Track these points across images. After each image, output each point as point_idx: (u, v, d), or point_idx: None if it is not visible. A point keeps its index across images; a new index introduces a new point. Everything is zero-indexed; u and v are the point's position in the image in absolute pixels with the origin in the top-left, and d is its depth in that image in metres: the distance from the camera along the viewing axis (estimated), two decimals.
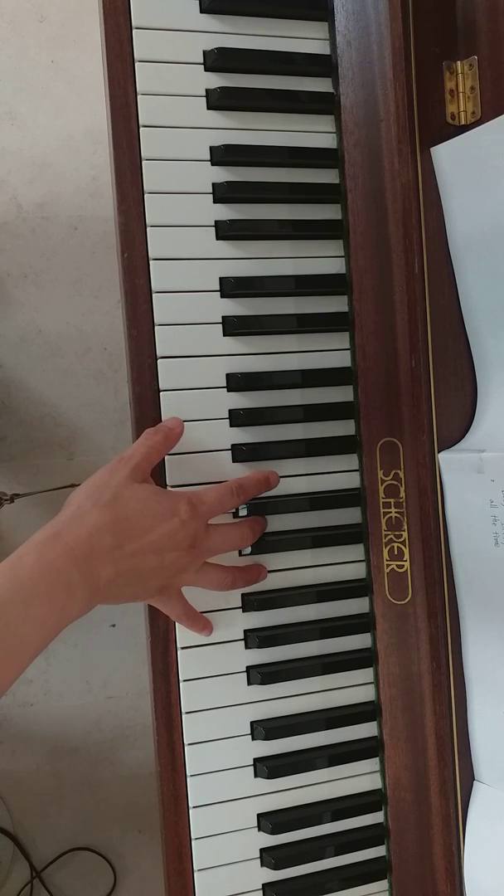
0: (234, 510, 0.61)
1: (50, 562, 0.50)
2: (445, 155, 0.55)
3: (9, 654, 0.48)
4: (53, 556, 0.50)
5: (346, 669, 0.63)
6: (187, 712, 0.60)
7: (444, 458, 0.56)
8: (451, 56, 0.56)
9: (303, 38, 0.61)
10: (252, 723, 0.62)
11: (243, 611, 0.61)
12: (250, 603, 0.61)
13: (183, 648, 0.60)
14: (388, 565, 0.60)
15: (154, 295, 0.59)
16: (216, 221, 0.60)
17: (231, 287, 0.60)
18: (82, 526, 0.52)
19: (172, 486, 0.59)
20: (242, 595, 0.62)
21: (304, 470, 0.63)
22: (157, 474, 0.59)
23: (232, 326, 0.60)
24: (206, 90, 0.60)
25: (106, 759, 1.35)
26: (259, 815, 0.62)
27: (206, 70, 0.60)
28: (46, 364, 1.30)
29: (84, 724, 1.34)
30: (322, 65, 0.61)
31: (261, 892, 0.62)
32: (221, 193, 0.60)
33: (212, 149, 0.60)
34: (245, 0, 0.60)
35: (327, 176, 0.62)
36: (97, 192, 1.30)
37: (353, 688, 0.64)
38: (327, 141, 0.62)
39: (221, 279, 0.60)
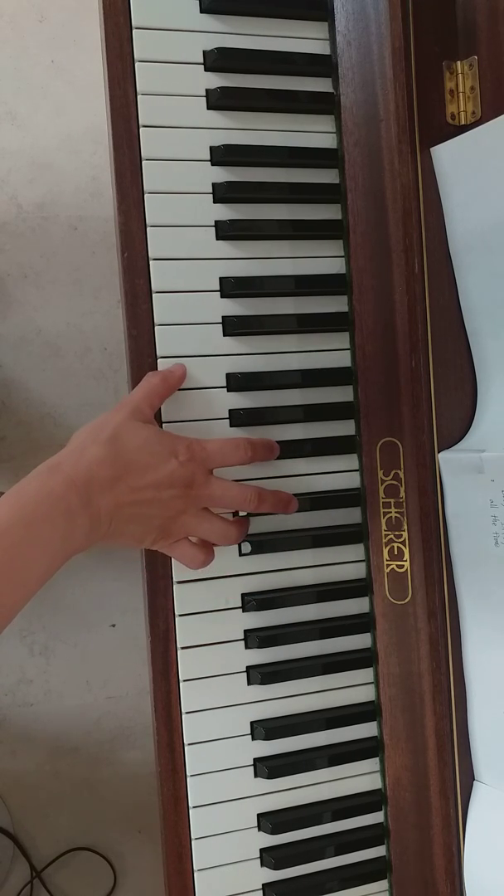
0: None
1: (51, 489, 0.52)
2: (445, 155, 0.55)
3: (16, 575, 0.50)
4: (54, 484, 0.52)
5: (346, 669, 0.63)
6: (187, 712, 0.60)
7: (444, 458, 0.56)
8: (451, 56, 0.56)
9: (303, 38, 0.61)
10: (252, 723, 0.62)
11: (243, 611, 0.61)
12: (250, 603, 0.61)
13: (183, 648, 0.60)
14: (388, 565, 0.60)
15: (154, 295, 0.59)
16: (216, 221, 0.60)
17: (231, 287, 0.60)
18: (82, 458, 0.54)
19: None
20: (242, 595, 0.62)
21: (305, 470, 0.63)
22: None
23: (232, 326, 0.60)
24: (206, 90, 0.60)
25: (106, 759, 1.35)
26: (259, 815, 0.62)
27: (206, 70, 0.60)
28: (46, 364, 1.30)
29: (84, 724, 1.34)
30: (322, 65, 0.61)
31: (261, 892, 0.62)
32: (221, 193, 0.60)
33: (212, 149, 0.60)
34: (245, 0, 0.60)
35: (327, 176, 0.62)
36: (97, 192, 1.30)
37: (353, 688, 0.64)
38: (327, 141, 0.62)
39: (221, 279, 0.60)
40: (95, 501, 0.53)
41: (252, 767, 0.62)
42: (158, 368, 0.59)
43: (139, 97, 0.58)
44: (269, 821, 0.61)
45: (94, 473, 0.53)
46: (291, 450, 0.62)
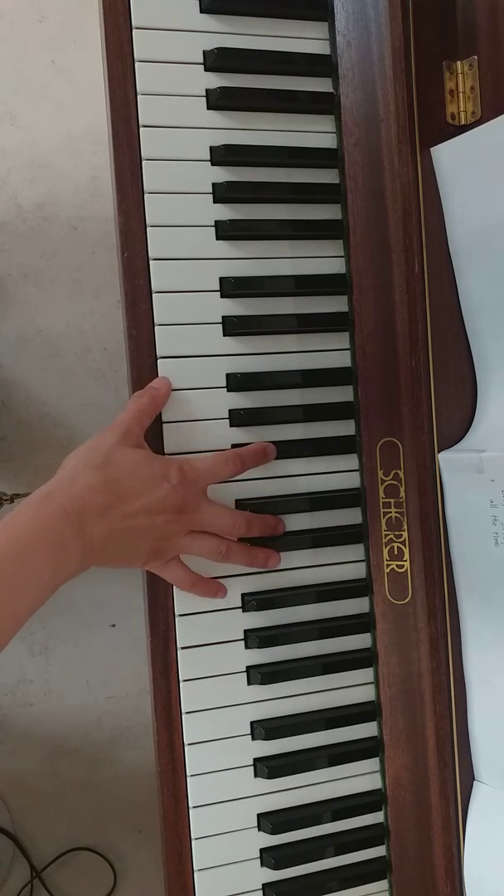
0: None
1: (43, 519, 0.51)
2: (445, 155, 0.55)
3: (6, 606, 0.50)
4: (46, 514, 0.52)
5: (346, 669, 0.63)
6: (187, 712, 0.60)
7: (444, 458, 0.56)
8: (451, 56, 0.56)
9: (303, 38, 0.61)
10: (252, 723, 0.61)
11: (243, 611, 0.61)
12: (250, 603, 0.61)
13: (183, 648, 0.60)
14: (388, 565, 0.60)
15: (154, 295, 0.59)
16: (216, 221, 0.60)
17: (231, 287, 0.60)
18: (74, 486, 0.53)
19: None
20: (242, 595, 0.62)
21: (304, 470, 0.63)
22: None
23: (232, 326, 0.60)
24: (206, 90, 0.60)
25: (106, 759, 1.35)
26: (259, 815, 0.62)
27: (206, 70, 0.60)
28: (46, 364, 1.30)
29: (84, 724, 1.34)
30: (322, 65, 0.61)
31: (261, 892, 0.62)
32: (221, 193, 0.60)
33: (212, 149, 0.60)
34: (245, 0, 0.60)
35: (327, 176, 0.62)
36: (97, 192, 1.30)
37: (353, 688, 0.64)
38: (327, 141, 0.62)
39: (221, 279, 0.60)
40: (88, 529, 0.53)
41: (252, 767, 0.62)
42: (159, 368, 0.59)
43: (139, 97, 0.58)
44: (269, 821, 0.61)
45: (87, 501, 0.53)
46: (291, 450, 0.62)
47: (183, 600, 0.60)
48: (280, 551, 0.62)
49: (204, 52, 0.60)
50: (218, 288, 0.60)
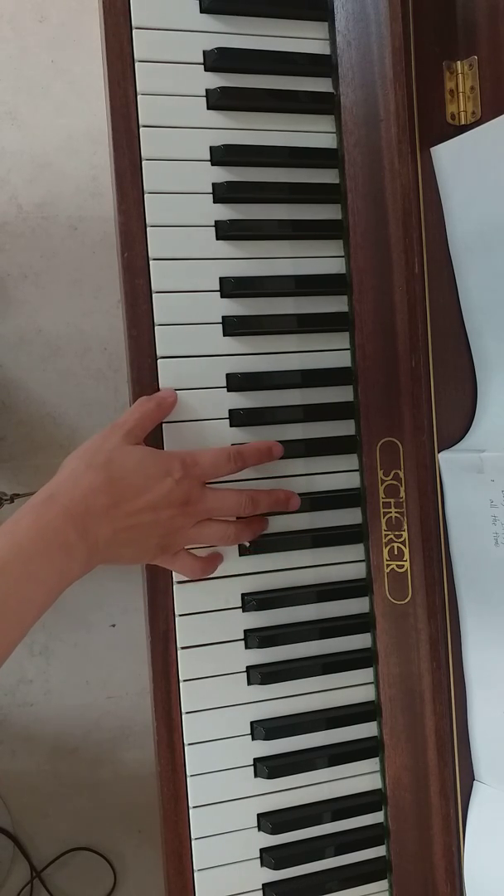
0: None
1: (46, 523, 0.51)
2: (445, 155, 0.55)
3: (13, 613, 0.49)
4: (49, 517, 0.51)
5: (346, 669, 0.63)
6: (187, 712, 0.60)
7: (444, 458, 0.56)
8: (451, 56, 0.56)
9: (303, 38, 0.61)
10: (252, 723, 0.62)
11: (243, 611, 0.61)
12: (250, 603, 0.61)
13: (183, 648, 0.60)
14: (388, 565, 0.60)
15: (154, 295, 0.59)
16: (216, 221, 0.60)
17: (231, 287, 0.60)
18: (77, 487, 0.53)
19: None
20: (242, 595, 0.62)
21: (304, 470, 0.63)
22: None
23: (232, 326, 0.60)
24: (206, 90, 0.60)
25: (106, 759, 1.35)
26: (259, 815, 0.62)
27: (206, 70, 0.60)
28: (46, 364, 1.30)
29: (84, 724, 1.34)
30: (322, 65, 0.61)
31: (261, 892, 0.62)
32: (221, 193, 0.60)
33: (212, 149, 0.60)
34: (245, 0, 0.60)
35: (327, 176, 0.62)
36: (97, 192, 1.30)
37: (353, 688, 0.64)
38: (327, 141, 0.62)
39: (221, 279, 0.60)
40: (92, 531, 0.52)
41: (252, 767, 0.62)
42: (159, 368, 0.59)
43: (139, 97, 0.58)
44: (269, 821, 0.61)
45: (90, 503, 0.52)
46: (291, 450, 0.62)
47: (183, 600, 0.60)
48: (280, 551, 0.62)
49: (204, 52, 0.60)
50: (218, 288, 0.60)
